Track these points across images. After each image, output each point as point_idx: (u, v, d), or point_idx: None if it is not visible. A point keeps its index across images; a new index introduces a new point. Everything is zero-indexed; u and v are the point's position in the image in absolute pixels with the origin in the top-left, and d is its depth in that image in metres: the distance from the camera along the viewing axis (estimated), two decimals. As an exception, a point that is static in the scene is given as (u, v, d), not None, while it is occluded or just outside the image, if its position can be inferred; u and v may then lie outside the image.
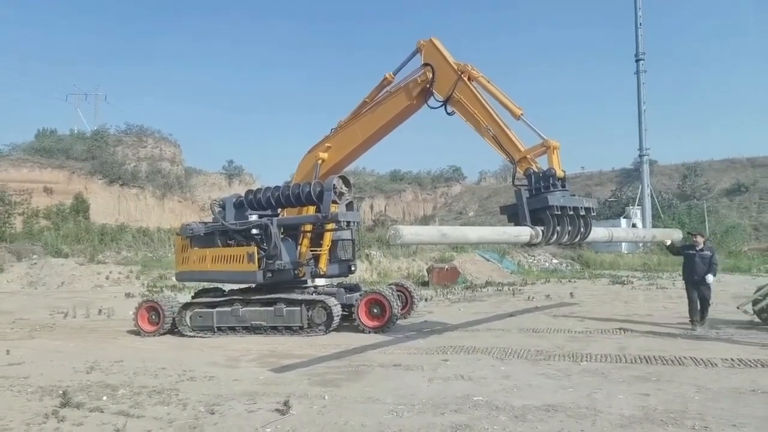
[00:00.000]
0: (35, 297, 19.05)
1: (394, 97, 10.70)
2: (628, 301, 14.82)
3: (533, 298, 16.02)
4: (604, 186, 66.07)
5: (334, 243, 11.59)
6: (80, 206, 41.80)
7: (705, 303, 9.96)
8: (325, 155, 11.57)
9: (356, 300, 10.82)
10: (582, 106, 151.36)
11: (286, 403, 5.65)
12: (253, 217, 11.16)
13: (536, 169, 8.67)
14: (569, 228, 8.37)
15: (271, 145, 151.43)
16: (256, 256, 10.37)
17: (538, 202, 8.28)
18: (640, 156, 51.33)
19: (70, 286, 22.01)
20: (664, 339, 9.17)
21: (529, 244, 8.33)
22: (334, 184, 10.29)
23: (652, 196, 51.09)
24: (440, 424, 5.05)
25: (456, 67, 9.74)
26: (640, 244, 35.72)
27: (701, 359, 7.43)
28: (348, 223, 10.54)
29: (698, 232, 10.51)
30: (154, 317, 11.21)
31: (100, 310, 14.91)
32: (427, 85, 10.12)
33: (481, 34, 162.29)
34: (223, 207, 11.58)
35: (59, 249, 27.07)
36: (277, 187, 11.25)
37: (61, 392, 6.31)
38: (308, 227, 11.17)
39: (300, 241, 11.25)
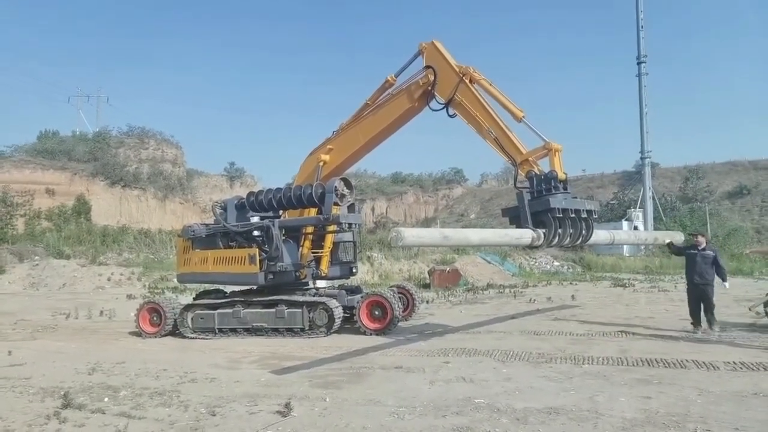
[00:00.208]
0: (37, 298, 19.07)
1: (396, 99, 10.71)
2: (630, 304, 14.80)
3: (535, 300, 16.00)
4: (605, 188, 65.98)
5: (336, 245, 11.59)
6: (82, 208, 41.80)
7: (708, 304, 9.72)
8: (326, 157, 11.58)
9: (357, 302, 10.82)
10: (583, 109, 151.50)
11: (287, 405, 5.65)
12: (255, 219, 11.17)
13: (538, 172, 8.67)
14: (571, 230, 8.36)
15: (273, 147, 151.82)
16: (258, 258, 10.39)
17: (539, 204, 8.28)
18: (642, 158, 51.22)
19: (72, 288, 22.03)
20: (666, 342, 9.16)
21: (531, 247, 8.34)
22: (335, 186, 10.30)
23: (653, 199, 51.00)
24: (442, 427, 5.05)
25: (458, 70, 9.75)
26: (642, 247, 35.65)
27: (703, 362, 7.41)
28: (349, 225, 10.56)
29: (699, 232, 10.41)
30: (155, 319, 11.22)
31: (101, 312, 14.92)
32: (429, 88, 10.13)
33: (482, 39, 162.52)
34: (224, 209, 11.60)
35: (61, 250, 27.07)
36: (278, 189, 11.26)
37: (62, 393, 6.32)
38: (310, 229, 11.19)
39: (301, 243, 11.27)
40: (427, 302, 15.82)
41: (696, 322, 9.88)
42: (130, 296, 18.64)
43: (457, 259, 25.57)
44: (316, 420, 5.37)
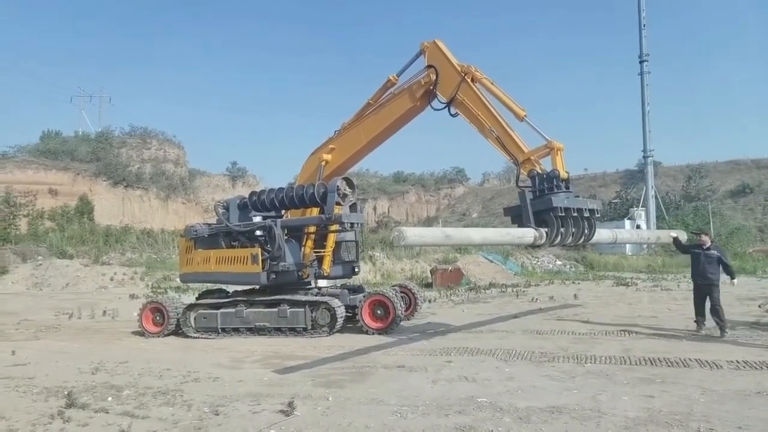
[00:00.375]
0: (40, 298, 19.12)
1: (398, 98, 10.71)
2: (632, 303, 14.78)
3: (537, 299, 15.99)
4: (608, 187, 65.83)
5: (338, 244, 11.60)
6: (85, 208, 41.93)
7: (713, 305, 9.41)
8: (328, 157, 11.59)
9: (360, 301, 10.83)
10: (585, 108, 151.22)
11: (290, 404, 5.66)
12: (257, 219, 11.18)
13: (540, 171, 8.66)
14: (573, 229, 8.36)
15: (275, 146, 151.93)
16: (260, 258, 10.40)
17: (542, 203, 8.27)
18: (644, 157, 51.14)
19: (75, 288, 22.08)
20: (669, 341, 9.14)
21: (533, 246, 8.34)
22: (337, 186, 10.31)
23: (656, 198, 50.91)
24: (444, 426, 5.05)
25: (459, 69, 9.75)
26: (645, 246, 35.59)
27: (706, 361, 7.40)
28: (351, 224, 10.55)
29: (703, 231, 10.24)
30: (158, 318, 11.25)
31: (104, 311, 14.96)
32: (431, 87, 10.13)
33: (483, 39, 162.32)
34: (227, 208, 11.61)
35: (64, 250, 27.14)
36: (280, 189, 11.27)
37: (66, 393, 6.34)
38: (312, 229, 11.20)
39: (304, 243, 11.28)
40: (430, 301, 15.82)
41: (699, 320, 9.74)
42: (133, 296, 18.69)
43: (459, 258, 25.57)
44: (318, 419, 5.38)
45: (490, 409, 5.54)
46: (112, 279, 23.47)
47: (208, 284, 12.81)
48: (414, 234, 6.64)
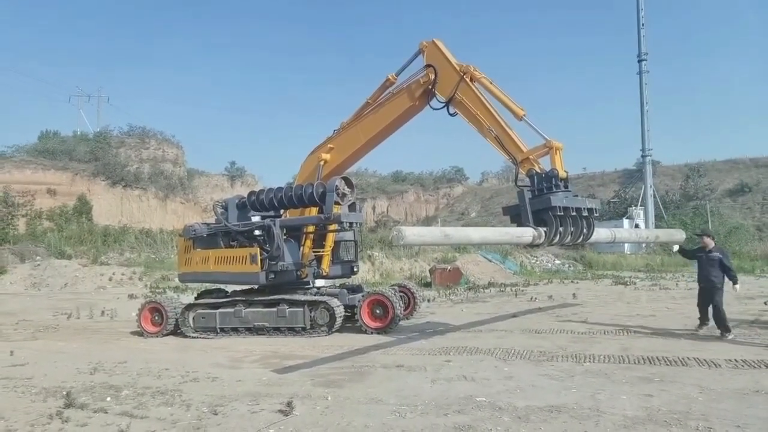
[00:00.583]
0: (38, 298, 19.09)
1: (397, 98, 10.71)
2: (631, 302, 14.80)
3: (536, 299, 16.00)
4: (606, 187, 65.95)
5: (337, 244, 11.60)
6: (83, 208, 41.84)
7: (715, 310, 9.18)
8: (327, 156, 11.58)
9: (359, 301, 10.83)
10: (584, 108, 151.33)
11: (289, 404, 5.66)
12: (256, 219, 11.18)
13: (539, 170, 8.67)
14: (572, 229, 8.36)
15: (274, 146, 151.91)
16: (259, 258, 10.39)
17: (540, 202, 8.27)
18: (643, 156, 51.29)
19: (74, 288, 22.05)
20: (667, 340, 9.15)
21: (532, 245, 8.33)
22: (336, 185, 10.30)
23: (654, 197, 50.99)
24: (443, 425, 5.05)
25: (458, 68, 9.74)
26: (643, 245, 35.64)
27: (704, 360, 7.41)
28: (350, 224, 10.55)
29: (705, 233, 9.94)
30: (157, 318, 11.23)
31: (103, 312, 14.94)
32: (430, 86, 10.13)
33: (482, 39, 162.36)
34: (225, 208, 11.60)
35: (62, 250, 27.10)
36: (279, 189, 11.26)
37: (64, 393, 6.33)
38: (311, 228, 11.19)
39: (303, 242, 11.28)
40: (428, 301, 15.83)
41: (702, 320, 9.61)
42: (131, 296, 18.66)
43: (458, 257, 25.57)
44: (317, 419, 5.38)
45: (489, 408, 5.54)
46: (110, 279, 23.44)
47: (207, 284, 12.80)
48: (413, 233, 6.63)
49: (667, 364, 7.31)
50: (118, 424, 5.32)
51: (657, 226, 44.57)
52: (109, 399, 6.29)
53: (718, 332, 9.22)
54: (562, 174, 8.44)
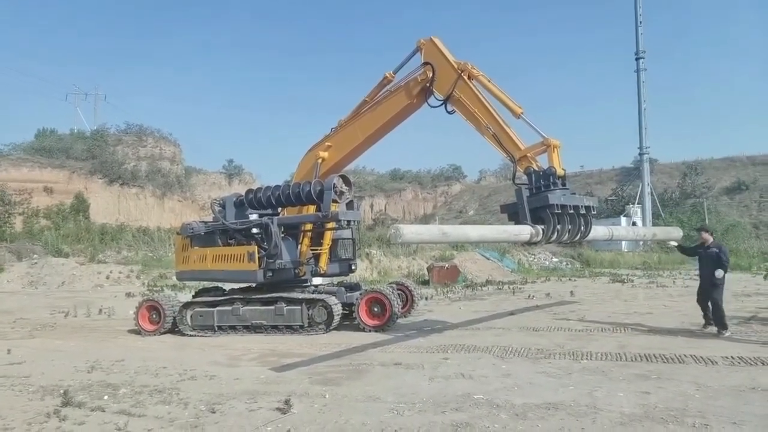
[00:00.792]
0: (36, 297, 19.06)
1: (394, 96, 10.69)
2: (629, 300, 14.83)
3: (533, 296, 16.02)
4: (604, 184, 65.99)
5: (335, 242, 11.60)
6: (80, 206, 41.79)
7: (714, 308, 9.19)
8: (325, 154, 11.57)
9: (357, 299, 10.83)
10: (582, 105, 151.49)
11: (287, 402, 5.66)
12: (254, 217, 11.17)
13: (536, 168, 8.66)
14: (569, 227, 8.36)
15: (271, 144, 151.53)
16: (257, 255, 10.38)
17: (538, 200, 8.28)
18: (641, 154, 51.30)
19: (71, 286, 22.02)
20: (665, 337, 9.18)
21: (530, 243, 8.33)
22: (334, 183, 10.29)
23: (652, 195, 51.08)
24: (441, 423, 5.06)
25: (456, 66, 9.73)
26: (641, 243, 35.72)
27: (701, 357, 7.44)
28: (348, 222, 10.55)
29: (703, 228, 9.97)
30: (154, 316, 11.22)
31: (100, 310, 14.91)
32: (427, 84, 10.11)
33: (480, 36, 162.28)
34: (223, 206, 11.58)
35: (59, 249, 27.08)
36: (277, 186, 11.25)
37: (62, 391, 6.31)
38: (309, 226, 11.18)
39: (300, 240, 11.27)
40: (426, 299, 15.83)
41: (705, 318, 9.55)
42: (129, 294, 18.64)
43: (456, 255, 25.57)
44: (315, 417, 5.38)
45: (487, 406, 5.55)
46: (108, 277, 23.41)
47: (205, 282, 12.78)
48: (411, 231, 6.64)
49: (664, 362, 7.34)
50: (116, 422, 5.32)
51: (654, 224, 44.67)
52: (106, 397, 6.28)
53: (715, 329, 9.25)
54: (559, 172, 8.44)
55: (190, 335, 10.87)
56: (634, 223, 44.17)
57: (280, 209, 11.61)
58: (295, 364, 7.87)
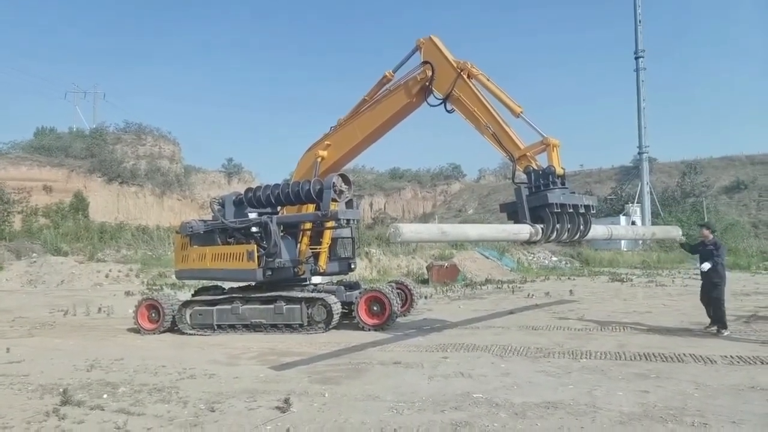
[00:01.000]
0: (35, 295, 19.05)
1: (394, 95, 10.68)
2: (628, 299, 14.85)
3: (533, 295, 16.04)
4: (603, 183, 65.97)
5: (334, 241, 11.59)
6: (79, 204, 41.75)
7: (715, 305, 9.19)
8: (324, 153, 11.56)
9: (356, 298, 10.83)
10: (582, 104, 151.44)
11: (286, 401, 5.66)
12: (253, 215, 11.15)
13: (536, 167, 8.66)
14: (569, 226, 8.36)
15: (271, 143, 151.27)
16: (256, 254, 10.38)
17: (537, 199, 8.28)
18: (640, 153, 51.29)
19: (70, 285, 22.01)
20: (664, 336, 9.18)
21: (529, 242, 8.34)
22: (333, 182, 10.29)
23: (651, 194, 51.10)
24: (440, 422, 5.06)
25: (455, 65, 9.72)
26: (640, 242, 35.73)
27: (700, 356, 7.45)
28: (348, 221, 10.54)
29: (704, 225, 9.99)
30: (153, 315, 11.22)
31: (99, 309, 14.91)
32: (427, 83, 10.10)
33: (479, 35, 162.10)
34: (222, 205, 11.58)
35: (59, 247, 27.05)
36: (276, 185, 11.24)
37: (61, 390, 6.31)
38: (308, 225, 11.18)
39: (300, 239, 11.26)
40: (426, 298, 15.84)
41: (710, 318, 9.51)
42: (128, 293, 18.64)
43: (456, 254, 25.58)
44: (315, 415, 5.38)
45: (486, 404, 5.56)
46: (107, 276, 23.41)
47: (204, 281, 12.78)
48: (410, 230, 6.63)
49: (664, 361, 7.35)
50: (115, 421, 5.32)
51: (654, 223, 44.67)
52: (105, 396, 6.28)
53: (714, 328, 9.26)
54: (559, 171, 8.43)
55: (190, 334, 10.86)
56: (633, 223, 44.14)
57: (279, 208, 11.60)
58: (295, 362, 7.87)
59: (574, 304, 13.90)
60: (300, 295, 10.64)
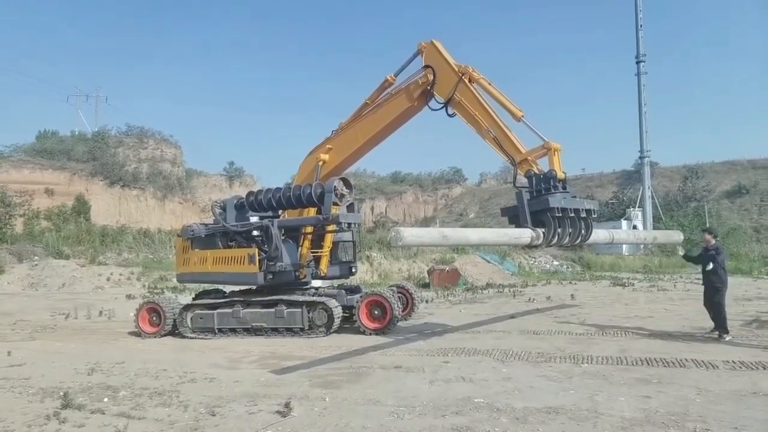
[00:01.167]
0: (36, 298, 19.05)
1: (395, 98, 10.71)
2: (629, 303, 14.81)
3: (534, 299, 16.01)
4: (604, 188, 66.03)
5: (335, 244, 11.59)
6: (81, 207, 41.75)
7: (716, 310, 9.14)
8: (326, 157, 11.58)
9: (357, 301, 10.82)
10: (583, 108, 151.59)
11: (287, 405, 5.65)
12: (254, 219, 11.17)
13: (537, 171, 8.67)
14: (570, 230, 8.36)
15: (272, 146, 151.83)
16: (257, 258, 10.38)
17: (539, 203, 8.28)
18: (641, 158, 51.34)
19: (71, 288, 22.02)
20: (665, 341, 9.16)
21: (530, 246, 8.34)
22: (335, 186, 10.30)
23: (652, 198, 51.07)
24: (441, 426, 5.05)
25: (457, 69, 9.75)
26: (641, 246, 35.67)
27: (702, 361, 7.42)
28: (349, 224, 10.54)
29: (707, 230, 9.97)
30: (155, 319, 11.21)
31: (101, 312, 14.91)
32: (428, 87, 10.13)
33: (480, 37, 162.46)
34: (223, 208, 11.60)
35: (60, 250, 27.04)
36: (278, 189, 11.26)
37: (62, 394, 6.31)
38: (309, 229, 11.19)
39: (301, 243, 11.27)
40: (427, 302, 15.82)
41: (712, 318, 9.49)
42: (129, 296, 18.64)
43: (457, 258, 25.57)
44: (315, 420, 5.37)
45: (487, 409, 5.54)
46: (108, 279, 23.42)
47: (205, 284, 12.78)
48: (411, 234, 6.64)
49: (665, 366, 7.32)
50: (116, 425, 5.31)
51: (655, 228, 44.64)
52: (106, 400, 6.27)
53: (716, 333, 9.23)
54: (560, 175, 8.44)
55: (191, 337, 10.86)
56: (634, 227, 44.13)
57: (280, 212, 11.61)
58: (296, 366, 7.86)
59: (576, 309, 13.87)
60: (301, 298, 10.63)
